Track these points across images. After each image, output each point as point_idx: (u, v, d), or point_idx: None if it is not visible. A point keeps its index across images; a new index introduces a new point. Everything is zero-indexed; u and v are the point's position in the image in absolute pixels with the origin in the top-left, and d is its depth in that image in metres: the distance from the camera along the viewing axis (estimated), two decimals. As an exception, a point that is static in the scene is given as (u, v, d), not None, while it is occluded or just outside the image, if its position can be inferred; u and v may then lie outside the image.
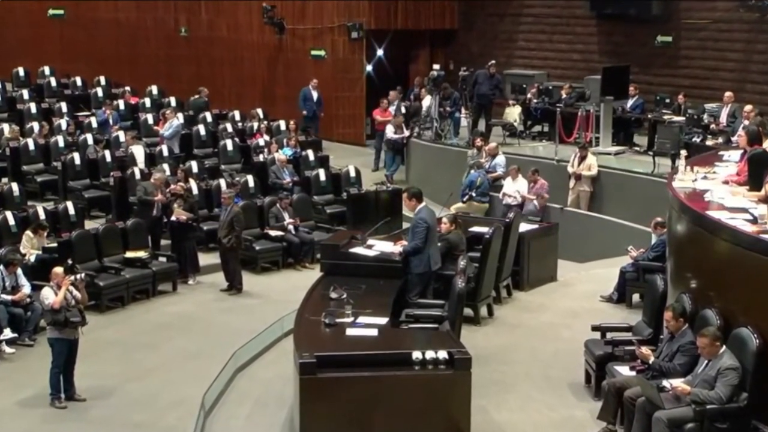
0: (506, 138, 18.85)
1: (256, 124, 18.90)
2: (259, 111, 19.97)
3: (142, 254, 12.94)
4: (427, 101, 19.82)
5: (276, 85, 22.91)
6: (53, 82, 21.14)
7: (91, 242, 12.63)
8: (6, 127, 17.53)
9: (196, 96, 20.64)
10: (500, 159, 16.68)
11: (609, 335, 9.12)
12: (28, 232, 12.42)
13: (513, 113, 19.41)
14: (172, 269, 13.10)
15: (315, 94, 20.51)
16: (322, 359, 7.51)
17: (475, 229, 11.79)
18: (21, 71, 21.79)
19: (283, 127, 19.21)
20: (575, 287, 12.62)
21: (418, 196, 9.83)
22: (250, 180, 15.88)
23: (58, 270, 9.47)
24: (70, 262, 9.71)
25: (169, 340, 11.21)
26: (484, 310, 11.13)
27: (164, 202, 13.62)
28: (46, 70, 21.81)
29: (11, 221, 12.95)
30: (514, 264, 12.03)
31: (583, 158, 16.14)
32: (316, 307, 8.77)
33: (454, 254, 10.26)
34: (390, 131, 19.13)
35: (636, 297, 11.55)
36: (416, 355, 7.56)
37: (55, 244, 12.36)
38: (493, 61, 19.31)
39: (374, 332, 8.12)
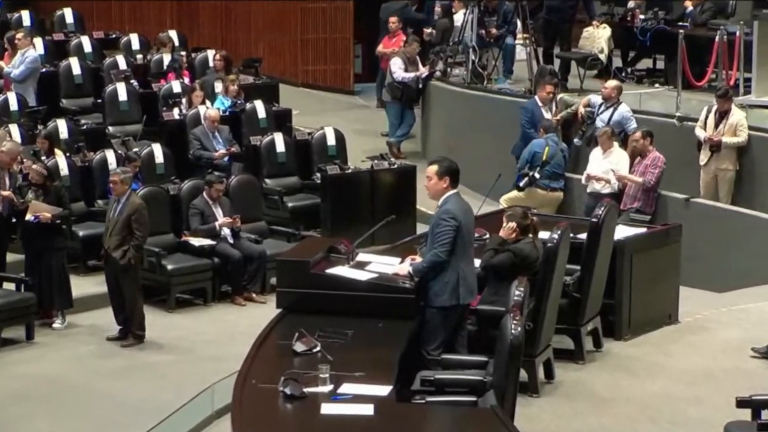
0: (585, 79, 18.90)
1: (166, 57, 18.93)
2: (173, 34, 20.00)
3: (-26, 278, 13.03)
4: (458, 18, 19.85)
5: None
6: None
7: None
8: None
9: None
10: (625, 109, 16.53)
11: (766, 414, 9.15)
12: None
13: (599, 38, 19.38)
14: (25, 304, 13.18)
15: (547, 116, 16.86)
16: (281, 455, 7.57)
17: (539, 234, 11.82)
18: None
19: (212, 62, 19.23)
20: (709, 334, 12.70)
21: (453, 174, 9.83)
22: (158, 152, 15.91)
23: None
24: None
25: (22, 421, 11.26)
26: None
27: (19, 207, 13.59)
28: None
29: None
30: (606, 294, 12.10)
31: (723, 115, 16.16)
32: (269, 367, 8.81)
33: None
34: (397, 68, 19.14)
35: (812, 350, 11.65)
36: (440, 448, 7.63)
37: None
38: None
39: (368, 410, 8.15)
